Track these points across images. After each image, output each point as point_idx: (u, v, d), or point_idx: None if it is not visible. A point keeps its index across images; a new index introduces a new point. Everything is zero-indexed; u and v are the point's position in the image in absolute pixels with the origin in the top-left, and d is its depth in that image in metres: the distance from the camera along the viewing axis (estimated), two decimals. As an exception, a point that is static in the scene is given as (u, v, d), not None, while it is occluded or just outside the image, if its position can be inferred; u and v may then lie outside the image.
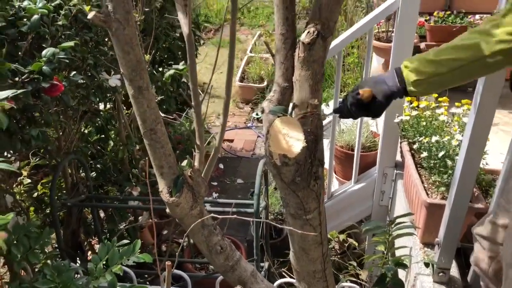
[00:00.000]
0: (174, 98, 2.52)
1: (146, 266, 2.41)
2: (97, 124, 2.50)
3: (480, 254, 1.50)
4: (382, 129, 2.37)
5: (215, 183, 4.14)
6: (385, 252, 1.42)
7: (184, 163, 1.14)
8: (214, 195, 3.92)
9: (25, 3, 1.65)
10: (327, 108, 3.89)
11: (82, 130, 2.45)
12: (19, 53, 1.63)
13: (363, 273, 1.75)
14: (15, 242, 1.30)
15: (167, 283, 0.97)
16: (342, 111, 1.22)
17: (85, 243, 2.51)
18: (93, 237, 2.57)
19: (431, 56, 1.08)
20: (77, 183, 2.32)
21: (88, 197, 2.32)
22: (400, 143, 2.30)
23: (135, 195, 2.47)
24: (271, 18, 7.77)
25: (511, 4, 0.96)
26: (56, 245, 2.18)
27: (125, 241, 1.37)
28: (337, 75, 2.35)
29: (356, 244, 2.14)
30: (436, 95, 2.19)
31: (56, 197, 2.14)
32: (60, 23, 1.77)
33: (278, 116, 1.03)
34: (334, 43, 2.25)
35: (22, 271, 1.47)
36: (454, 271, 1.82)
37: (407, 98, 2.21)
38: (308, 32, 0.98)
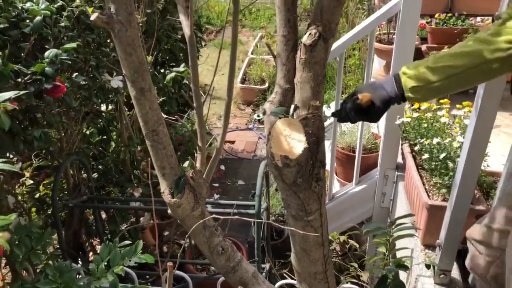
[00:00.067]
0: (175, 100, 2.52)
1: (147, 267, 2.42)
2: (99, 125, 2.51)
3: (476, 259, 1.49)
4: (384, 130, 2.37)
5: (217, 185, 4.14)
6: (386, 253, 1.42)
7: (186, 164, 1.14)
8: (216, 196, 3.92)
9: (28, 4, 1.66)
10: (328, 110, 3.89)
11: (84, 131, 2.46)
12: (22, 54, 1.64)
13: (364, 275, 1.75)
14: (17, 242, 1.30)
15: (169, 284, 0.98)
16: (340, 115, 1.23)
17: (87, 244, 2.52)
18: (95, 238, 2.58)
19: (429, 63, 1.08)
20: (78, 184, 2.32)
21: (90, 198, 2.32)
22: (401, 145, 2.30)
23: (136, 196, 2.47)
24: (273, 20, 7.78)
25: (508, 14, 0.97)
26: (58, 246, 2.18)
27: (127, 242, 1.37)
28: (338, 77, 2.36)
29: (357, 246, 2.14)
30: (437, 97, 2.19)
31: (58, 198, 2.14)
32: (62, 24, 1.78)
33: (280, 118, 1.03)
34: (335, 45, 2.25)
35: (24, 271, 1.47)
36: (455, 273, 1.82)
37: (409, 100, 2.20)
38: (310, 34, 0.98)
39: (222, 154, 4.56)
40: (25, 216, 2.09)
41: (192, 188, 1.08)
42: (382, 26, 3.70)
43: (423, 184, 1.96)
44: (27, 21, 1.63)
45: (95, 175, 2.50)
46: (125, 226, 2.61)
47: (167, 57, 2.86)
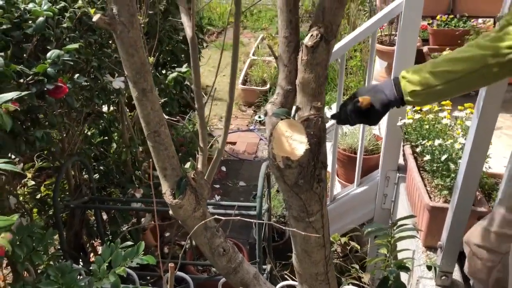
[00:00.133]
0: (177, 101, 2.52)
1: (148, 268, 2.41)
2: (100, 126, 2.51)
3: (476, 265, 1.49)
4: (385, 132, 2.37)
5: (218, 186, 4.14)
6: (388, 255, 1.42)
7: (187, 165, 1.14)
8: (217, 197, 3.92)
9: (31, 5, 1.66)
10: (330, 111, 3.89)
11: (85, 132, 2.46)
12: (24, 55, 1.64)
13: (365, 276, 1.75)
14: (18, 243, 1.31)
15: (170, 285, 0.98)
16: (340, 117, 1.23)
17: (88, 244, 2.52)
18: (96, 239, 2.58)
19: (428, 67, 1.08)
20: (80, 185, 2.33)
21: (91, 199, 2.32)
22: (403, 146, 2.29)
23: (138, 197, 2.47)
24: (274, 21, 7.78)
25: (506, 21, 0.97)
26: (59, 247, 2.19)
27: (129, 243, 1.37)
28: (340, 78, 2.36)
29: (359, 247, 2.14)
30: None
31: (59, 199, 2.14)
32: (64, 25, 1.78)
33: (281, 119, 1.04)
34: (337, 46, 2.25)
35: (25, 272, 1.47)
36: (456, 274, 1.81)
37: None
38: (312, 35, 0.98)
39: (223, 155, 4.56)
40: (26, 217, 2.09)
41: (193, 189, 1.08)
42: (383, 27, 3.70)
43: (425, 185, 1.96)
44: (30, 22, 1.64)
45: (96, 176, 2.50)
46: (126, 227, 2.61)
47: (169, 58, 2.87)
